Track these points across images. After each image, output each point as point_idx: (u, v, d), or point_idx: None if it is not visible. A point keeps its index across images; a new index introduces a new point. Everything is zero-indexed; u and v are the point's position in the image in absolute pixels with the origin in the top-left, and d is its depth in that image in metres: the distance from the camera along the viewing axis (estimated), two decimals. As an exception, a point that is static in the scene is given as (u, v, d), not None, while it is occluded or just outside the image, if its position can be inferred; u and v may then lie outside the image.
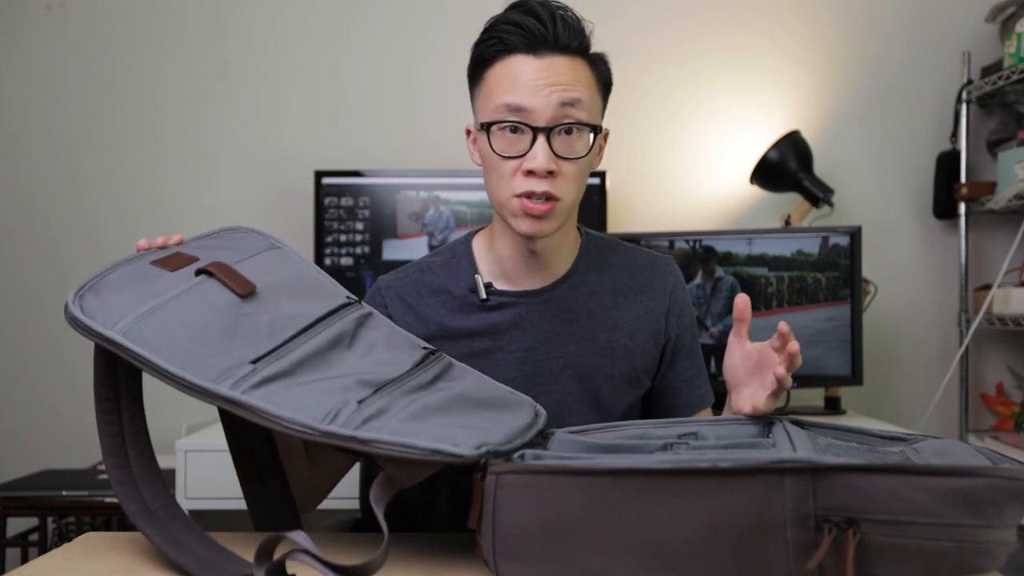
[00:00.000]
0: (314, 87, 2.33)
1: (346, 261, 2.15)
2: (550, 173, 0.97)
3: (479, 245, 1.12)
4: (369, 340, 0.88)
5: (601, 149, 1.07)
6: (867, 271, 2.13)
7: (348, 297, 0.94)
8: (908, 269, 2.30)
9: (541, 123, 0.97)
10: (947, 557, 0.58)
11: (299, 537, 0.62)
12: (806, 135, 2.19)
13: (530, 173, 0.97)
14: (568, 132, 0.98)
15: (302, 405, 0.73)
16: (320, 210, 2.15)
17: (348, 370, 0.82)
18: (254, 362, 0.77)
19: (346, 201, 2.15)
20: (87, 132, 2.33)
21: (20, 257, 2.33)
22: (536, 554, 0.66)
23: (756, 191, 2.26)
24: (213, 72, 2.33)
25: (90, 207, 2.32)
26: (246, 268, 0.88)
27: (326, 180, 2.15)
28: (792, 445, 0.72)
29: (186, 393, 0.73)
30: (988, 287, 2.16)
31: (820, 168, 2.21)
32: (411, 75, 2.32)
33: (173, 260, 0.86)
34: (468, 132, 1.09)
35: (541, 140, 0.96)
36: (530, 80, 0.97)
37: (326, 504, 1.08)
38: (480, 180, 2.12)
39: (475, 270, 1.09)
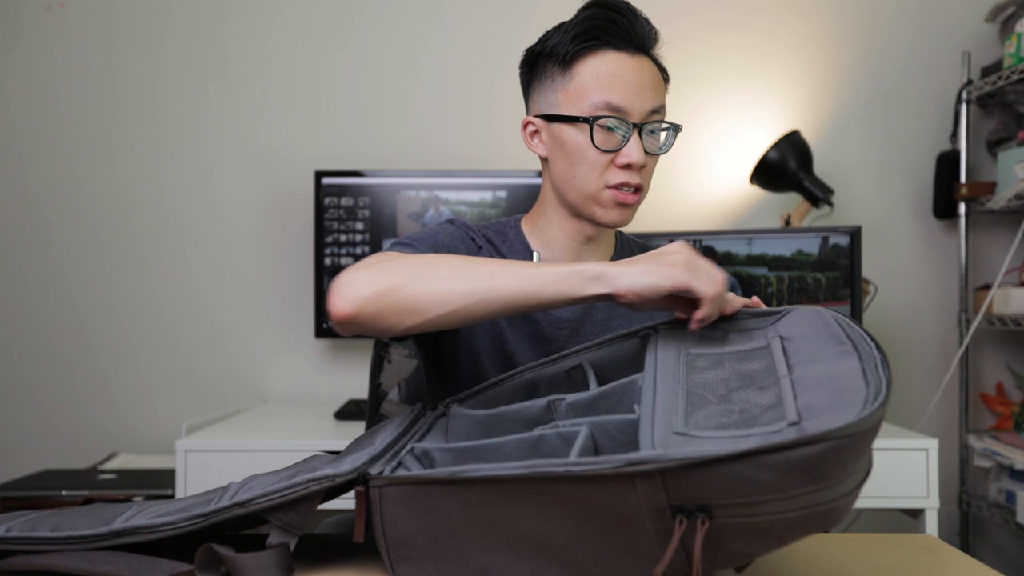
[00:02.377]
0: (314, 87, 2.33)
1: (346, 261, 2.15)
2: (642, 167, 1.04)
3: (526, 230, 1.15)
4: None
5: None
6: (867, 271, 2.14)
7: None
8: (908, 269, 2.30)
9: (635, 119, 1.03)
10: (794, 525, 0.60)
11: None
12: (806, 135, 2.19)
13: (626, 167, 1.03)
14: (652, 132, 1.05)
15: (181, 507, 0.77)
16: (320, 210, 2.15)
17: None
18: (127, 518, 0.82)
19: (346, 201, 2.16)
20: (87, 132, 2.33)
21: (20, 257, 2.33)
22: (427, 556, 0.71)
23: (756, 191, 2.26)
24: (213, 72, 2.33)
25: (90, 207, 2.33)
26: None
27: (326, 180, 2.16)
28: (654, 400, 0.72)
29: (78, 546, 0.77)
30: (988, 287, 2.16)
31: (820, 168, 2.21)
32: (410, 75, 2.32)
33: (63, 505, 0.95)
34: (526, 124, 1.11)
35: (635, 136, 1.03)
36: (627, 81, 1.03)
37: (327, 504, 1.08)
38: (479, 180, 2.16)
39: (530, 250, 1.12)
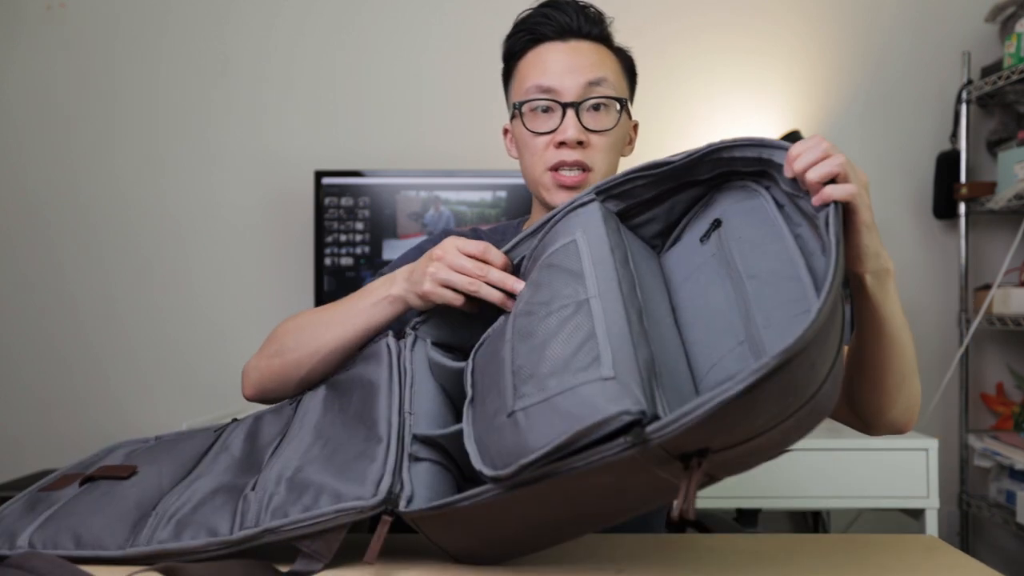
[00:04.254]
0: (314, 87, 2.33)
1: (346, 261, 2.15)
2: (580, 144, 1.02)
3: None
4: (214, 454, 0.94)
5: (632, 140, 1.14)
6: (867, 271, 2.13)
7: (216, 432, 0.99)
8: (908, 269, 2.30)
9: (569, 98, 1.02)
10: (792, 432, 0.63)
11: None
12: (806, 135, 2.19)
13: (561, 144, 1.02)
14: (596, 108, 1.04)
15: (207, 526, 0.77)
16: (320, 210, 2.15)
17: (217, 479, 0.87)
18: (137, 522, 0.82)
19: (346, 201, 2.16)
20: (87, 132, 2.33)
21: (20, 257, 2.33)
22: (470, 539, 0.76)
23: (756, 191, 2.26)
24: (213, 72, 2.33)
25: (90, 207, 2.33)
26: (128, 459, 0.98)
27: (326, 180, 2.16)
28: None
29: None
30: (988, 287, 2.16)
31: (820, 168, 2.21)
32: (410, 75, 2.32)
33: (59, 482, 0.93)
34: (506, 132, 1.13)
35: (570, 113, 1.02)
36: (558, 63, 1.03)
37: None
38: (479, 180, 2.16)
39: None
